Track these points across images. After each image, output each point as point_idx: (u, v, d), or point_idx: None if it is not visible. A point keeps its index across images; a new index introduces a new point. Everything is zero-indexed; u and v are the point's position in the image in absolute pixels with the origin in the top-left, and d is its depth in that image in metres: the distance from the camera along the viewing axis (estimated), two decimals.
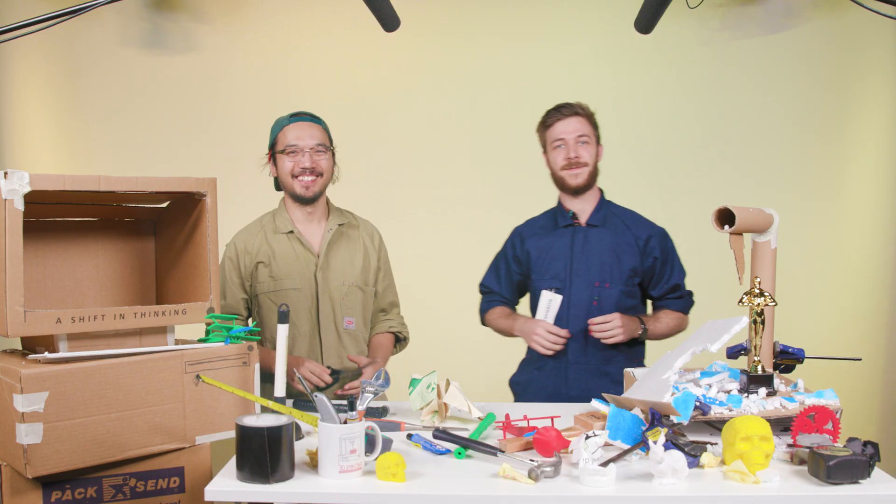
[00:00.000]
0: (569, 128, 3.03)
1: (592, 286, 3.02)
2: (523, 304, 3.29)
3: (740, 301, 2.38)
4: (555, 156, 3.06)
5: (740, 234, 2.50)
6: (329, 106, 3.34)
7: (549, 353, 2.98)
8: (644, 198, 4.22)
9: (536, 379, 3.07)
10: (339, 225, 2.99)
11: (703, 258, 4.02)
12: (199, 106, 4.31)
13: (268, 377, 2.71)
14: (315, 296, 2.89)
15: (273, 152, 2.91)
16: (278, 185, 3.04)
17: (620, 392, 2.82)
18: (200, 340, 2.34)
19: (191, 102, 4.31)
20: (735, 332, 2.24)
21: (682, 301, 3.14)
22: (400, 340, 3.09)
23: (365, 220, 3.08)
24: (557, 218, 3.13)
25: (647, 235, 3.10)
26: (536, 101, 3.27)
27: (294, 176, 2.87)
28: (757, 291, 2.37)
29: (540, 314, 3.03)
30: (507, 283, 3.20)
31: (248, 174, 4.27)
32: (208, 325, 2.32)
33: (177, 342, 2.33)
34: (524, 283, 3.20)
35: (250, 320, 2.99)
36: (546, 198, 3.22)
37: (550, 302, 3.01)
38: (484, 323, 3.29)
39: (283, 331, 2.29)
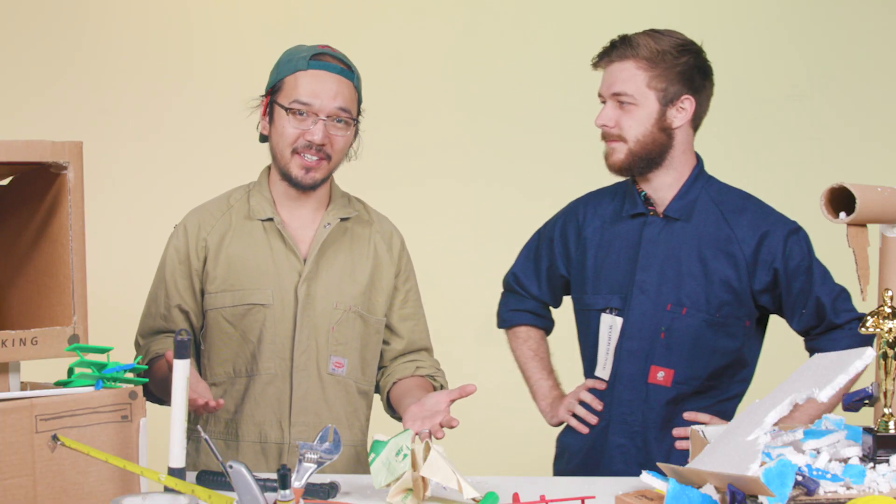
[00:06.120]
0: (609, 78, 2.22)
1: (662, 310, 2.22)
2: (563, 314, 2.52)
3: (863, 325, 1.98)
4: None
5: (863, 224, 2.10)
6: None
7: (585, 430, 2.30)
8: (726, 168, 3.57)
9: (572, 443, 2.34)
10: (343, 219, 2.26)
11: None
12: (59, 30, 3.46)
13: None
14: (293, 319, 2.21)
15: (272, 100, 2.20)
16: (265, 138, 2.33)
17: (683, 462, 2.25)
18: (59, 384, 1.94)
19: (47, 26, 3.45)
20: (856, 371, 1.89)
21: (845, 336, 2.24)
22: (436, 390, 2.33)
23: (381, 216, 2.36)
24: (625, 202, 2.32)
25: (762, 233, 2.22)
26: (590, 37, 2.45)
27: (295, 150, 2.18)
28: (888, 311, 1.96)
29: (601, 347, 2.30)
30: (548, 281, 2.43)
31: (134, 132, 3.47)
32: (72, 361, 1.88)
33: (23, 387, 1.95)
34: (567, 284, 2.44)
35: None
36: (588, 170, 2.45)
37: (611, 329, 2.28)
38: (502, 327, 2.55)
39: (181, 369, 1.76)
